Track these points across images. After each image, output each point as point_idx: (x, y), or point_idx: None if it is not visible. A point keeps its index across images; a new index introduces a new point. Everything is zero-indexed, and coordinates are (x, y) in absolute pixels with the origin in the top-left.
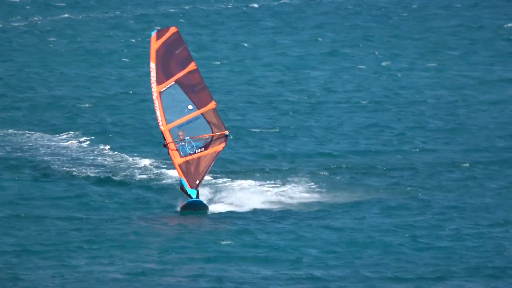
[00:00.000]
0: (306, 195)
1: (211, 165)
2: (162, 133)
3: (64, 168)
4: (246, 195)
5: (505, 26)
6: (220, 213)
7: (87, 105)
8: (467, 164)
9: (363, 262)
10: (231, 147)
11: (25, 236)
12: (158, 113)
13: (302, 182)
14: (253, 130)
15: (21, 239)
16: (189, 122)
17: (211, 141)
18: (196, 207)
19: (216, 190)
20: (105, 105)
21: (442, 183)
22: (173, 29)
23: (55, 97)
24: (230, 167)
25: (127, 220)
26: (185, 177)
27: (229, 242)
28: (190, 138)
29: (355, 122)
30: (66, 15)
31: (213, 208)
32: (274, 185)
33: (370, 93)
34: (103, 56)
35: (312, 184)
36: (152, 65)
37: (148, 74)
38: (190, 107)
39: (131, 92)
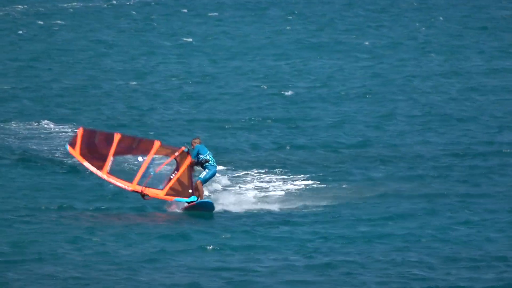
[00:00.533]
0: (316, 186)
1: (193, 175)
2: (133, 191)
3: (72, 158)
4: (254, 187)
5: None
6: (227, 205)
7: (95, 95)
8: (481, 153)
9: (377, 253)
10: (240, 137)
11: (26, 229)
12: (119, 183)
13: (313, 173)
14: (261, 120)
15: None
16: (148, 168)
17: (177, 162)
18: (204, 208)
19: (223, 182)
20: (115, 96)
21: (457, 172)
22: (80, 131)
23: (63, 87)
24: (237, 158)
25: (133, 211)
26: (178, 196)
27: (232, 234)
28: (155, 171)
29: (367, 112)
30: (67, 4)
31: (221, 200)
32: (288, 177)
33: (379, 83)
34: (109, 46)
35: (323, 175)
36: (86, 164)
37: (156, 65)
38: (140, 158)
39: (140, 82)
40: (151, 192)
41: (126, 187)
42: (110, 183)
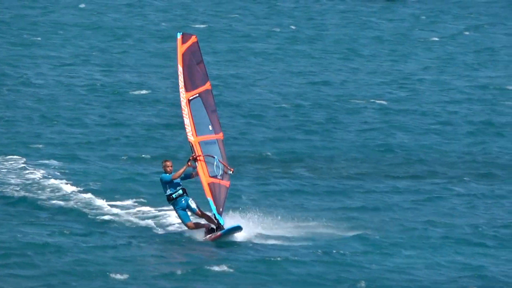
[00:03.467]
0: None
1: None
2: (191, 144)
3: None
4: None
5: None
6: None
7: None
8: None
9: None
10: (294, 140)
11: None
12: (188, 122)
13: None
14: (314, 126)
15: None
16: (211, 143)
17: (223, 173)
18: (233, 233)
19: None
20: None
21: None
22: (193, 38)
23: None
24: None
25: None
26: (213, 198)
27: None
28: (218, 160)
29: (429, 118)
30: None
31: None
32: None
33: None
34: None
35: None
36: (180, 69)
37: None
38: (210, 127)
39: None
40: (203, 166)
41: (189, 134)
42: (182, 110)
